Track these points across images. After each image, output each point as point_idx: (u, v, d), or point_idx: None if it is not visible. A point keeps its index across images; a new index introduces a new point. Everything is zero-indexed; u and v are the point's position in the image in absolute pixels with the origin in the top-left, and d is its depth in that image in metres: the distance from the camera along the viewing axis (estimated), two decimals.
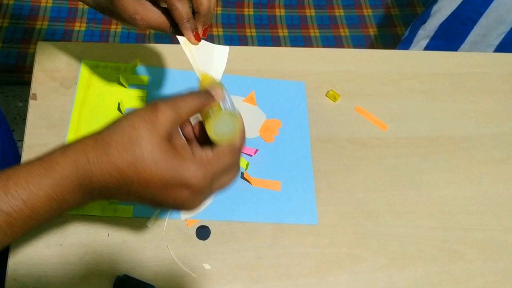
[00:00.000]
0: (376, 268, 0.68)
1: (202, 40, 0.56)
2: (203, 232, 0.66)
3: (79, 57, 0.76)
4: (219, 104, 0.45)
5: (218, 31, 1.72)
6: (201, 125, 0.46)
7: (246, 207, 0.69)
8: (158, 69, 0.77)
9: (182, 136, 0.43)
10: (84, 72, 0.75)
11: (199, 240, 0.65)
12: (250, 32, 1.74)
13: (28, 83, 0.72)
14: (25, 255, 0.61)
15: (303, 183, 0.72)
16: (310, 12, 1.82)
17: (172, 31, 0.55)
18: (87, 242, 0.63)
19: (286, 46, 1.71)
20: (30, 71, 0.74)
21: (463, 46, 1.27)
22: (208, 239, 0.66)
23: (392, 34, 1.80)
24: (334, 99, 0.80)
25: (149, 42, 1.63)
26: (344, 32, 1.78)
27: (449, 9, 1.24)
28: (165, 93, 0.75)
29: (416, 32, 1.30)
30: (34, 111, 0.71)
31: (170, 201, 0.41)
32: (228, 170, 0.44)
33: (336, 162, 0.75)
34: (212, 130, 0.44)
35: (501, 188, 0.77)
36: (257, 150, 0.73)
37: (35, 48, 0.75)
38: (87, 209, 0.65)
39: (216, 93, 0.45)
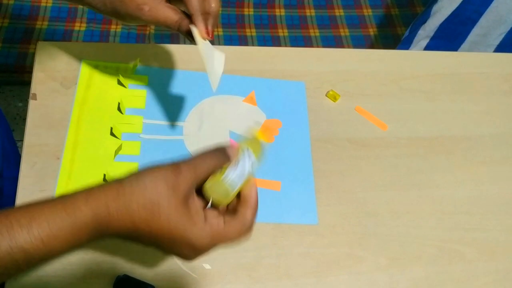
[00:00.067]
0: (376, 268, 0.68)
1: (207, 41, 0.57)
2: None
3: (79, 57, 0.76)
4: (226, 167, 0.45)
5: (218, 31, 1.72)
6: None
7: None
8: (158, 69, 0.77)
9: (197, 199, 0.44)
10: (84, 72, 0.75)
11: None
12: (250, 32, 1.74)
13: (28, 83, 0.72)
14: None
15: (303, 183, 0.72)
16: (310, 12, 1.82)
17: (178, 28, 0.56)
18: None
19: (286, 46, 1.71)
20: (30, 71, 0.74)
21: (463, 46, 1.27)
22: None
23: (392, 34, 1.80)
24: (334, 99, 0.80)
25: (149, 42, 1.63)
26: (344, 32, 1.78)
27: (449, 9, 1.24)
28: (165, 93, 0.75)
29: (416, 32, 1.30)
30: (34, 111, 0.71)
31: (173, 251, 0.44)
32: (236, 241, 0.45)
33: (336, 162, 0.75)
34: (208, 188, 0.44)
35: (501, 188, 0.77)
36: None
37: (35, 48, 0.75)
38: None
39: (231, 153, 0.46)
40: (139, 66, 0.76)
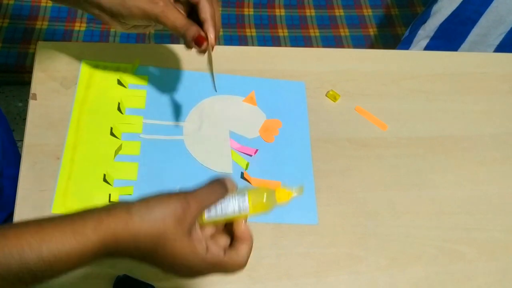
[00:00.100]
0: (376, 268, 0.68)
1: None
2: None
3: (79, 57, 0.76)
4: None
5: None
6: None
7: None
8: (158, 69, 0.77)
9: (199, 230, 0.46)
10: (84, 72, 0.75)
11: None
12: (250, 32, 1.74)
13: (28, 83, 0.72)
14: None
15: (303, 183, 0.72)
16: (310, 12, 1.82)
17: (184, 33, 0.57)
18: None
19: (286, 46, 1.71)
20: (30, 71, 0.74)
21: (463, 46, 1.27)
22: None
23: (392, 34, 1.80)
24: (334, 99, 0.80)
25: (149, 42, 1.63)
26: (344, 32, 1.78)
27: (449, 9, 1.24)
28: (165, 93, 0.75)
29: (416, 32, 1.30)
30: (34, 111, 0.71)
31: (172, 271, 0.47)
32: (232, 271, 0.48)
33: (336, 162, 0.75)
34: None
35: (501, 188, 0.77)
36: (257, 150, 0.73)
37: (35, 48, 0.75)
38: None
39: (229, 187, 0.48)
40: (139, 66, 0.76)
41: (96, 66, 0.76)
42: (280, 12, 1.80)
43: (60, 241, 0.41)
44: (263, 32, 1.74)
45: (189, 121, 0.74)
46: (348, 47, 1.73)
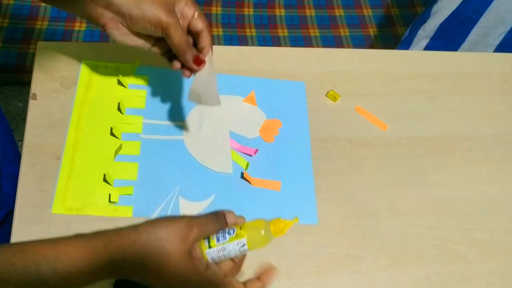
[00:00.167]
0: (376, 268, 0.68)
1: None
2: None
3: (79, 57, 0.76)
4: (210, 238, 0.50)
5: (218, 31, 1.72)
6: None
7: (246, 207, 0.69)
8: (158, 69, 0.77)
9: (198, 250, 0.49)
10: (84, 72, 0.75)
11: None
12: (250, 32, 1.74)
13: (28, 83, 0.72)
14: None
15: (303, 183, 0.72)
16: (310, 12, 1.82)
17: (184, 53, 0.60)
18: None
19: (286, 46, 1.71)
20: (30, 71, 0.74)
21: (463, 46, 1.27)
22: None
23: (392, 34, 1.80)
24: (334, 99, 0.80)
25: None
26: (344, 32, 1.78)
27: (449, 9, 1.24)
28: (165, 93, 0.75)
29: (416, 32, 1.30)
30: (34, 111, 0.71)
31: (168, 286, 0.48)
32: None
33: (336, 162, 0.75)
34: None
35: (501, 188, 0.77)
36: (257, 150, 0.73)
37: (35, 48, 0.75)
38: (87, 209, 0.65)
39: (229, 221, 0.51)
40: (139, 66, 0.76)
41: (96, 66, 0.76)
42: (280, 12, 1.80)
43: (73, 257, 0.45)
44: (263, 32, 1.74)
45: (189, 121, 0.74)
46: (348, 47, 1.73)
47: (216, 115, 0.75)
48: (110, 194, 0.66)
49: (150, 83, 0.76)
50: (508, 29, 1.23)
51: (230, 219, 0.50)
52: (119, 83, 0.74)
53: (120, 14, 0.58)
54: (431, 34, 1.28)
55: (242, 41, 1.71)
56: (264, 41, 1.72)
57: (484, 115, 0.83)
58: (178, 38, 0.59)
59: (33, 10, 1.66)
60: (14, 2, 1.67)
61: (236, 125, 0.75)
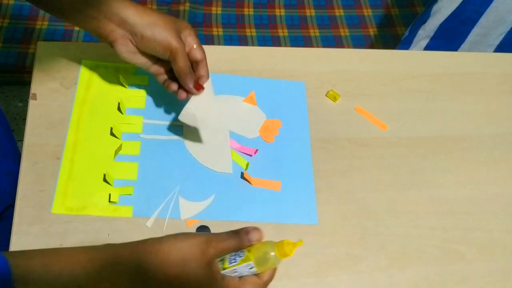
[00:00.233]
0: (376, 268, 0.68)
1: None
2: (203, 232, 0.66)
3: (79, 57, 0.76)
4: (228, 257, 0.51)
5: (218, 31, 1.72)
6: None
7: (246, 207, 0.69)
8: None
9: (218, 264, 0.50)
10: (84, 72, 0.75)
11: None
12: (250, 32, 1.74)
13: (28, 83, 0.72)
14: None
15: (303, 183, 0.72)
16: (310, 12, 1.82)
17: (185, 80, 0.65)
18: (87, 242, 0.63)
19: (286, 46, 1.71)
20: (30, 71, 0.74)
21: (463, 46, 1.27)
22: None
23: (392, 34, 1.80)
24: (334, 99, 0.80)
25: None
26: (344, 32, 1.78)
27: (449, 9, 1.24)
28: (165, 93, 0.75)
29: (416, 32, 1.30)
30: (34, 111, 0.71)
31: None
32: None
33: (336, 162, 0.75)
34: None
35: (501, 188, 0.77)
36: (257, 150, 0.73)
37: (35, 48, 0.75)
38: (87, 209, 0.65)
39: (251, 239, 0.51)
40: None
41: (96, 66, 0.76)
42: (280, 12, 1.80)
43: (104, 262, 0.48)
44: (263, 32, 1.74)
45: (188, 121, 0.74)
46: (348, 47, 1.73)
47: (216, 115, 0.75)
48: (110, 194, 0.66)
49: (150, 83, 0.76)
50: (508, 29, 1.23)
51: (253, 236, 0.50)
52: (119, 83, 0.74)
53: (132, 32, 0.62)
54: (431, 34, 1.28)
55: (242, 41, 1.71)
56: (264, 41, 1.72)
57: (484, 115, 0.83)
58: (183, 63, 0.64)
59: (33, 10, 1.66)
60: (14, 2, 1.66)
61: (236, 125, 0.75)
